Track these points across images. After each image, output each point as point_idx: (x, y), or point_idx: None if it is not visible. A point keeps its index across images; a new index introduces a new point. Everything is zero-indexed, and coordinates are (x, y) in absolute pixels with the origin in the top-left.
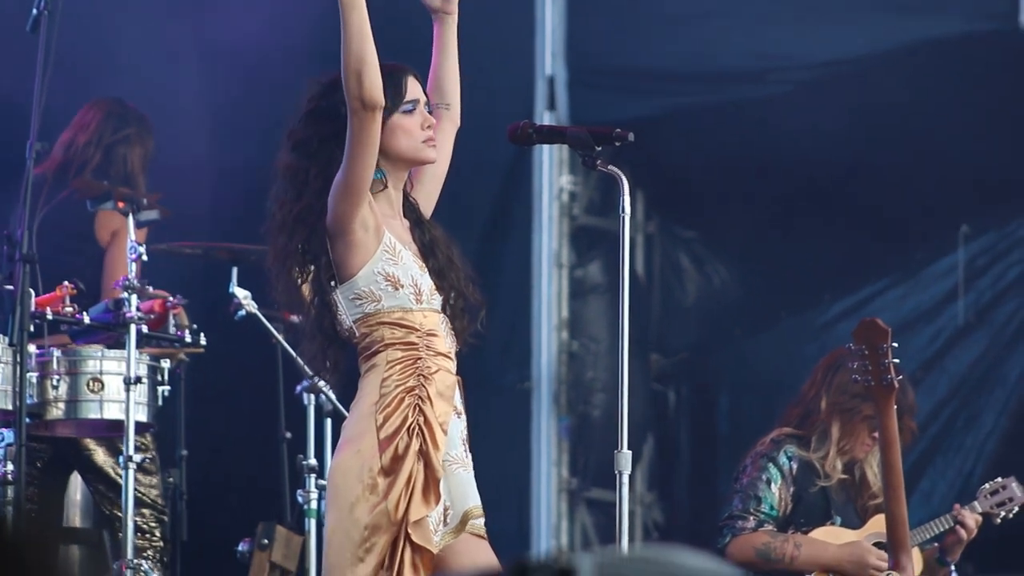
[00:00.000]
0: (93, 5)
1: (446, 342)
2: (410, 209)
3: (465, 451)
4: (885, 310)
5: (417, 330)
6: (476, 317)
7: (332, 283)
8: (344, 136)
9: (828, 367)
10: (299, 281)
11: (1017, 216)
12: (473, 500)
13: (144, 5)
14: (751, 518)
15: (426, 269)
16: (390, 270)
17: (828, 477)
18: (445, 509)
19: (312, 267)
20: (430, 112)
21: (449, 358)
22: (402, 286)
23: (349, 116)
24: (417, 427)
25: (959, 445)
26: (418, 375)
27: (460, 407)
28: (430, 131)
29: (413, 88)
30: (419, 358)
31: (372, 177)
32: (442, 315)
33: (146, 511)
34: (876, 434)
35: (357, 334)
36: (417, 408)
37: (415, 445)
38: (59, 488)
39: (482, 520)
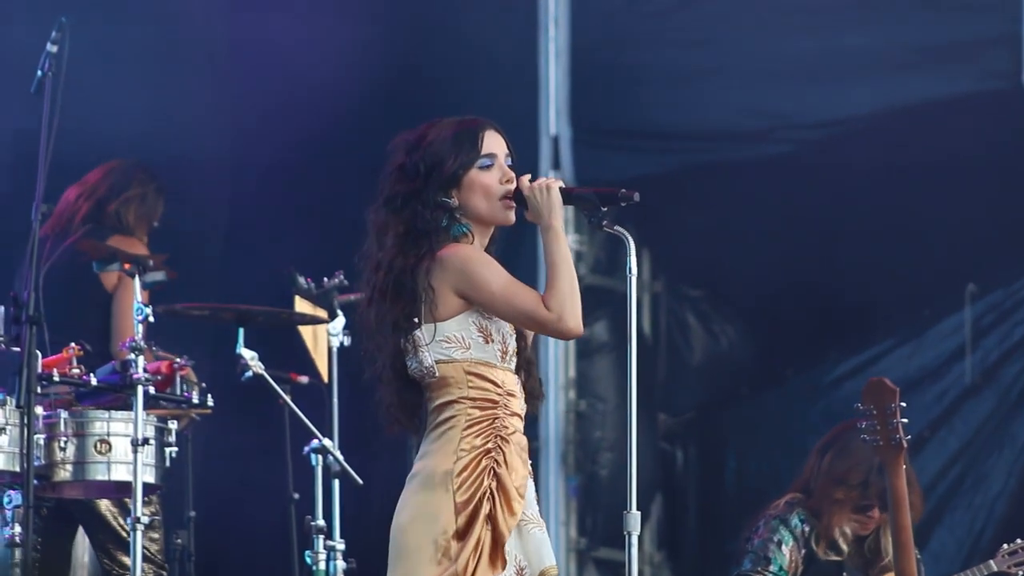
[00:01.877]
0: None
1: (520, 403)
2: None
3: (537, 512)
4: (892, 369)
5: (499, 387)
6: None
7: (415, 319)
8: (424, 192)
9: (822, 447)
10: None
11: (1023, 275)
12: (549, 560)
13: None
14: None
15: (514, 329)
16: (484, 323)
17: (834, 549)
18: (521, 569)
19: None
20: (511, 165)
21: (522, 419)
22: (492, 341)
23: (531, 312)
24: (491, 492)
25: (968, 504)
26: (496, 436)
27: (530, 469)
28: (510, 186)
29: (491, 142)
30: (497, 417)
31: None
32: (517, 376)
33: (147, 566)
34: (864, 514)
35: (437, 375)
36: (492, 472)
37: (485, 509)
38: (65, 536)
39: None
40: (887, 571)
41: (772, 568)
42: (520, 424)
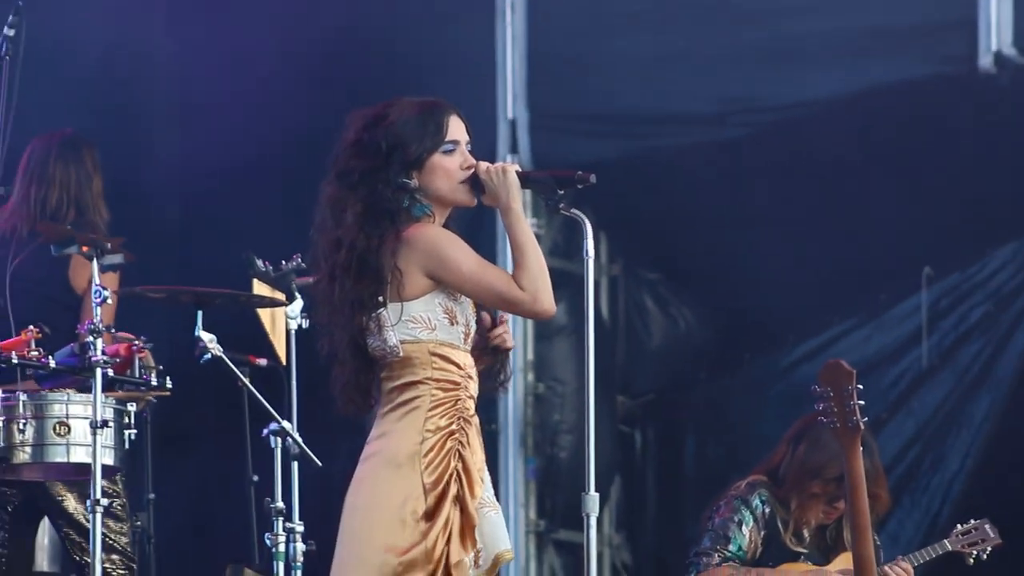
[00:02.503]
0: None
1: (476, 384)
2: None
3: (493, 495)
4: (850, 351)
5: (461, 369)
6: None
7: (380, 298)
8: (384, 171)
9: (792, 437)
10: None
11: (980, 258)
12: (504, 543)
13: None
14: (716, 555)
15: (475, 311)
16: (450, 304)
17: (799, 539)
18: (477, 552)
19: (361, 283)
20: (472, 151)
21: (475, 402)
22: (457, 323)
23: (504, 292)
24: (457, 473)
25: (925, 486)
26: (459, 418)
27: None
28: (469, 171)
29: (455, 128)
30: (459, 399)
31: None
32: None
33: (116, 557)
34: (832, 505)
35: (400, 355)
36: (458, 454)
37: (453, 490)
38: (29, 534)
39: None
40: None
41: (731, 548)
42: (473, 407)
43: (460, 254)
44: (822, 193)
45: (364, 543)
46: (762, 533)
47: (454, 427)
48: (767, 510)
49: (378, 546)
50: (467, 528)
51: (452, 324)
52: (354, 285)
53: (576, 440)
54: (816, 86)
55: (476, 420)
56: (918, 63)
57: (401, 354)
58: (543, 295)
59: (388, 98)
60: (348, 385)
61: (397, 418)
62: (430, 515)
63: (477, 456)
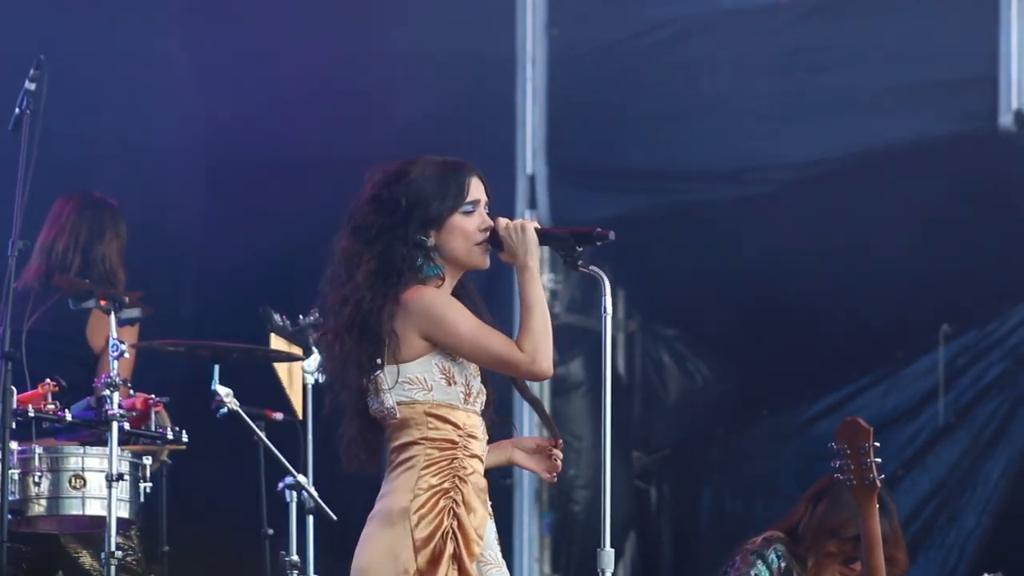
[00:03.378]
0: (75, 105)
1: (482, 445)
2: (468, 303)
3: (498, 553)
4: (867, 408)
5: (460, 429)
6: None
7: (378, 360)
8: (402, 228)
9: (813, 496)
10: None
11: (997, 316)
12: None
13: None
14: None
15: (479, 371)
16: (447, 364)
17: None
18: None
19: (362, 344)
20: (489, 213)
21: (482, 461)
22: (455, 383)
23: (502, 354)
24: (451, 532)
25: (940, 543)
26: (454, 476)
27: (490, 510)
28: (487, 233)
29: (475, 189)
30: (456, 458)
31: None
32: (481, 418)
33: None
34: (848, 566)
35: (397, 416)
36: (452, 512)
37: (449, 549)
38: None
39: None
40: None
41: None
42: (480, 466)
43: (457, 315)
44: (839, 250)
45: None
46: None
47: (446, 485)
48: (783, 565)
49: None
50: None
51: (450, 384)
52: (355, 345)
53: (591, 495)
54: (834, 143)
55: (477, 479)
56: (937, 120)
57: (398, 415)
58: (542, 357)
59: (408, 151)
60: (353, 441)
61: (395, 477)
62: (423, 574)
63: (476, 515)
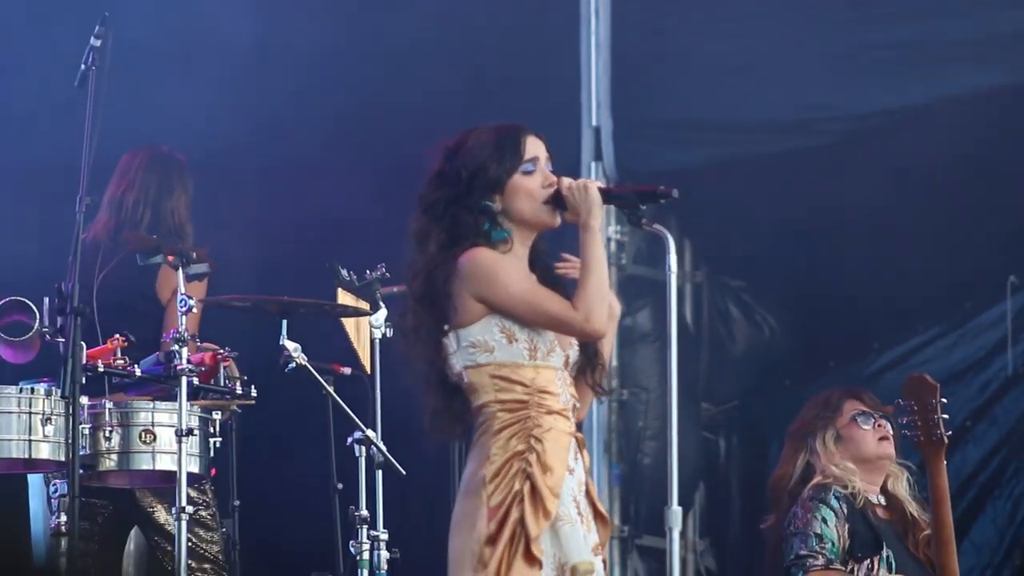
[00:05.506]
0: (140, 62)
1: (561, 399)
2: (542, 265)
3: (577, 509)
4: (934, 360)
5: (527, 386)
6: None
7: (445, 326)
8: (467, 198)
9: (795, 449)
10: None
11: None
12: (580, 555)
13: (198, 64)
14: (819, 556)
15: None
16: (506, 323)
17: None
18: (562, 566)
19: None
20: (553, 170)
21: (564, 416)
22: (516, 340)
23: (555, 312)
24: (522, 495)
25: (1009, 494)
26: (529, 436)
27: (572, 464)
28: (551, 189)
29: (532, 146)
30: (529, 418)
31: None
32: (561, 371)
33: (207, 566)
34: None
35: (466, 381)
36: (524, 474)
37: (516, 513)
38: (118, 544)
39: (593, 573)
40: (923, 532)
41: (827, 545)
42: (561, 422)
43: (507, 276)
44: (907, 201)
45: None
46: (846, 526)
47: (520, 447)
48: (843, 505)
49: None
50: (529, 548)
51: (511, 343)
52: (426, 315)
53: (660, 446)
54: (902, 93)
55: (556, 436)
56: (1003, 72)
57: (466, 380)
58: (595, 315)
59: (477, 109)
60: (437, 412)
61: (474, 442)
62: (493, 540)
63: (553, 474)
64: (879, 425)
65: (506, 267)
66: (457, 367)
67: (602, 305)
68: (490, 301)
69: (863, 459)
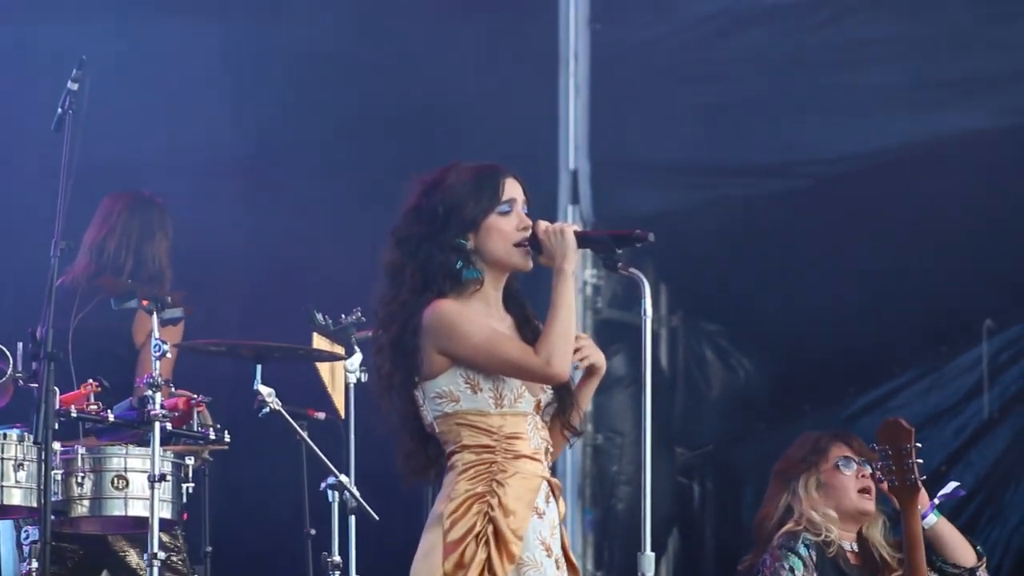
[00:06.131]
0: (119, 106)
1: (531, 443)
2: (517, 306)
3: (548, 552)
4: (910, 404)
5: (495, 433)
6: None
7: (416, 378)
8: (441, 235)
9: (778, 491)
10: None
11: None
12: None
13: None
14: None
15: None
16: (471, 373)
17: (839, 548)
18: None
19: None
20: (528, 214)
21: (535, 459)
22: (481, 389)
23: (516, 360)
24: (485, 536)
25: (984, 539)
26: (491, 480)
27: (543, 507)
28: (525, 232)
29: (510, 188)
30: (494, 462)
31: None
32: (532, 416)
33: None
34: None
35: (437, 431)
36: (486, 516)
37: (481, 555)
38: None
39: None
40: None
41: None
42: (531, 465)
43: (470, 327)
44: (884, 244)
45: None
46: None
47: (481, 489)
48: (813, 554)
49: None
50: None
51: (475, 392)
52: (399, 364)
53: (634, 491)
54: (878, 137)
55: (520, 481)
56: (982, 114)
57: (437, 429)
58: (556, 359)
59: (453, 151)
60: (411, 456)
61: (443, 484)
62: None
63: (515, 517)
64: (862, 475)
65: (467, 318)
66: (428, 418)
67: (566, 349)
68: (452, 354)
69: (843, 511)
